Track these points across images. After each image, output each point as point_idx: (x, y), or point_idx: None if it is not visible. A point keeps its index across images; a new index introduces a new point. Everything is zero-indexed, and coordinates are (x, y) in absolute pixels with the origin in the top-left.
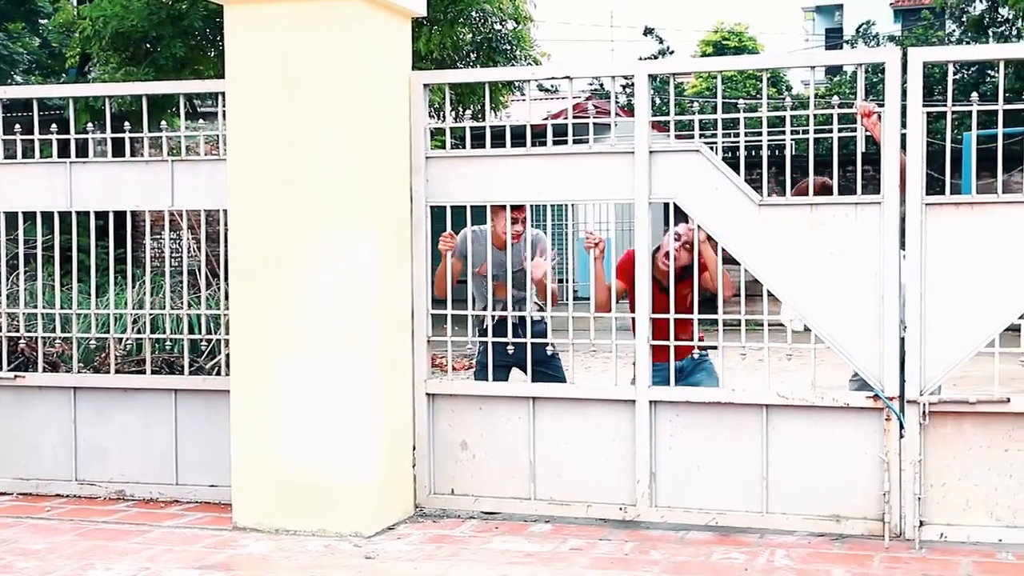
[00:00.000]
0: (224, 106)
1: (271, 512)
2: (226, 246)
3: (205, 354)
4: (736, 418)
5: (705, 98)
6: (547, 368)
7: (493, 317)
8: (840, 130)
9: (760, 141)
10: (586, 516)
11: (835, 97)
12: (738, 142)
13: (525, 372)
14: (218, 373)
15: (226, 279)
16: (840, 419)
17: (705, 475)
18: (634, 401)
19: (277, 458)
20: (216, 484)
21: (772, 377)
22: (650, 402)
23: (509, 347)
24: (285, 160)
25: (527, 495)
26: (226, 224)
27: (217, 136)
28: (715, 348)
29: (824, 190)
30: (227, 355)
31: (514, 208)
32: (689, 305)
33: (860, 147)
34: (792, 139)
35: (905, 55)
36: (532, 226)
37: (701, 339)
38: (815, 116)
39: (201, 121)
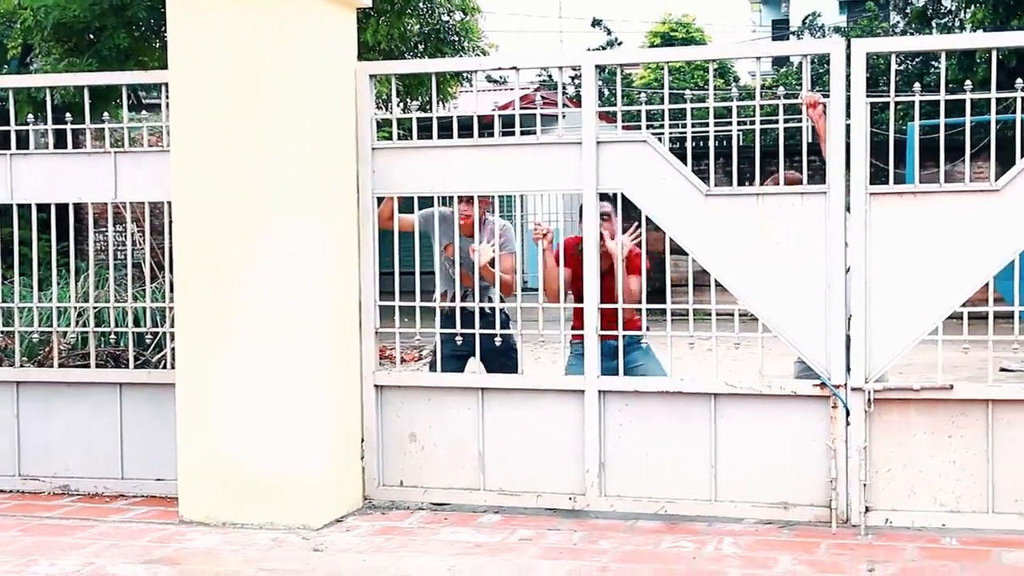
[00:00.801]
0: (168, 97)
1: (218, 505)
2: (171, 238)
3: (151, 347)
4: (685, 407)
5: (653, 89)
6: (506, 359)
7: (444, 308)
8: (786, 121)
9: (707, 132)
10: (536, 506)
11: (781, 88)
12: (686, 132)
13: (484, 361)
14: (164, 366)
15: (171, 271)
16: (788, 407)
17: (654, 464)
18: (583, 391)
19: (224, 451)
20: (162, 478)
21: (720, 366)
22: (599, 392)
23: (457, 338)
24: (229, 151)
25: (477, 486)
26: (171, 216)
27: (161, 127)
28: (645, 332)
29: (794, 184)
30: (173, 348)
31: (469, 198)
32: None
33: (806, 137)
34: (739, 130)
35: (849, 46)
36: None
37: (638, 322)
38: (762, 107)
39: (145, 112)
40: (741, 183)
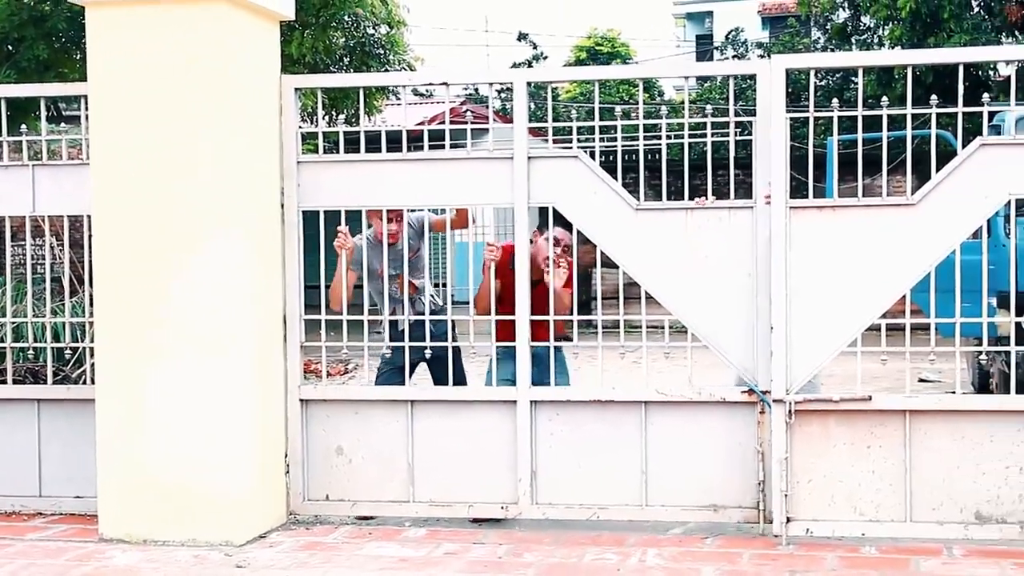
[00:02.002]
0: (88, 109)
1: (139, 522)
2: (91, 252)
3: (71, 363)
4: (616, 415)
5: (579, 103)
6: (455, 368)
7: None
8: (713, 135)
9: (636, 145)
10: (467, 516)
11: (708, 105)
12: (614, 146)
13: (433, 368)
14: (84, 382)
15: (92, 285)
16: (716, 414)
17: (585, 471)
18: (515, 401)
19: (145, 467)
20: (81, 495)
21: (649, 377)
22: (531, 402)
23: (386, 352)
24: (150, 164)
25: (406, 498)
26: (91, 229)
27: (81, 140)
28: (569, 341)
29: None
30: (93, 363)
31: (391, 210)
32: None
33: (732, 153)
34: (667, 142)
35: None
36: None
37: (561, 331)
38: (689, 124)
39: (64, 125)
40: (670, 198)
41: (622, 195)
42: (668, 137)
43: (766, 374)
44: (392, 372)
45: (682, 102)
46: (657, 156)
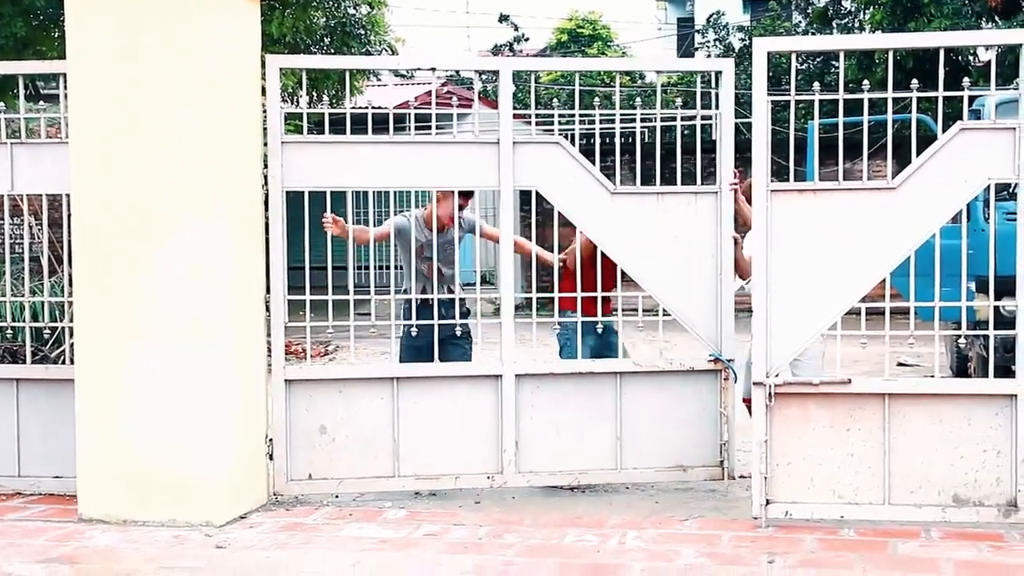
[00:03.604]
0: (67, 88)
1: (119, 503)
2: (70, 231)
3: (50, 343)
4: (593, 386)
5: (560, 85)
6: (462, 348)
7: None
8: (687, 123)
9: (614, 129)
10: (455, 487)
11: (689, 88)
12: (594, 130)
13: (441, 349)
14: (63, 362)
15: (71, 265)
16: (685, 381)
17: (565, 439)
18: (500, 376)
19: (125, 448)
20: (61, 475)
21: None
22: (515, 376)
23: (413, 329)
24: (131, 143)
25: (391, 473)
26: (70, 209)
27: (60, 119)
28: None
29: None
30: (72, 343)
31: (462, 194)
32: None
33: (699, 142)
34: (644, 126)
35: (749, 45)
36: (396, 212)
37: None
38: (663, 108)
39: (43, 103)
40: (646, 181)
41: (600, 179)
42: (644, 121)
43: (729, 343)
44: (412, 350)
45: (663, 85)
46: (633, 139)
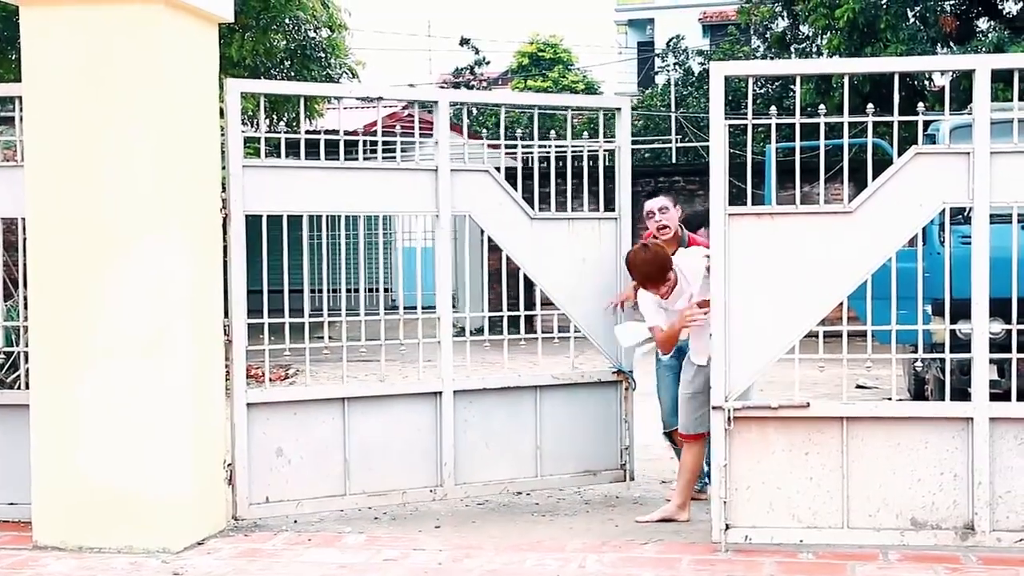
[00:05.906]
0: (23, 111)
1: (74, 529)
2: (26, 255)
3: (5, 367)
4: (516, 399)
5: (522, 110)
6: None
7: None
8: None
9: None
10: (402, 502)
11: (585, 134)
12: (548, 154)
13: None
14: (19, 387)
15: (26, 289)
16: (593, 392)
17: (493, 451)
18: (440, 392)
19: (81, 474)
20: (15, 502)
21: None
22: (453, 392)
23: None
24: (86, 166)
25: (342, 492)
26: (25, 232)
27: (15, 142)
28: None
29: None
30: (28, 368)
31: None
32: None
33: (601, 171)
34: (557, 152)
35: (708, 69)
36: (347, 237)
37: None
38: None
39: None
40: (565, 207)
41: (522, 205)
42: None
43: (628, 357)
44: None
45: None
46: (563, 164)
